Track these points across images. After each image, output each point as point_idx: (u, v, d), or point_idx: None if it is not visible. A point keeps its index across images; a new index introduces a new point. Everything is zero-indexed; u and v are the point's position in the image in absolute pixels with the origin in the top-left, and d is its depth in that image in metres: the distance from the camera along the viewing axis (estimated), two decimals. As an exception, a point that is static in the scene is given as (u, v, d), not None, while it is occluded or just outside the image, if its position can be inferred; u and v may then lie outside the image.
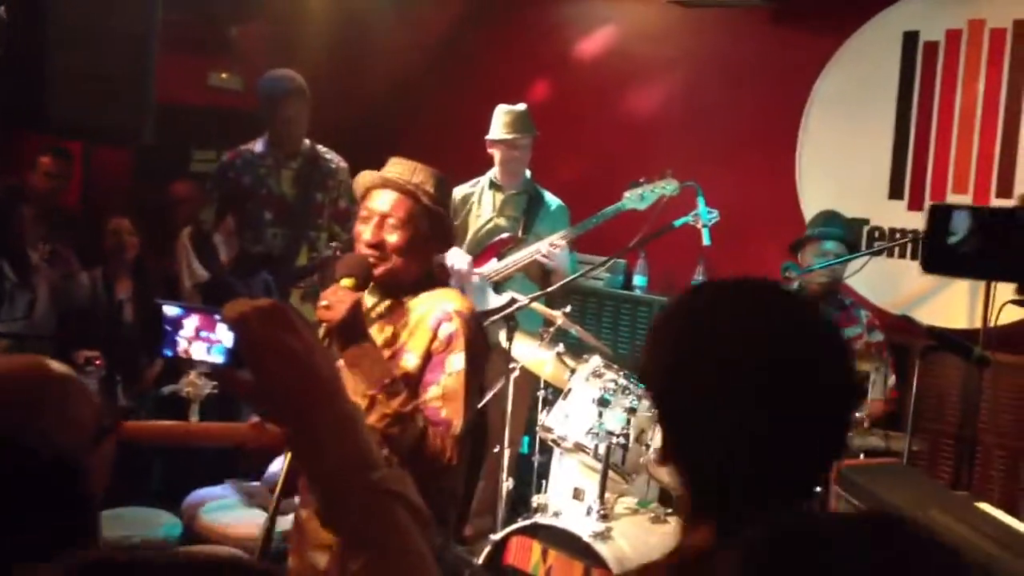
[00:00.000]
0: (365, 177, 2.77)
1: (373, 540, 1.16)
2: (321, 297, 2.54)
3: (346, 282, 2.56)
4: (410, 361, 2.68)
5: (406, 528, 1.17)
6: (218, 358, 1.15)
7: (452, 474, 2.71)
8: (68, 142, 5.27)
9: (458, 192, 5.07)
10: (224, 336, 1.13)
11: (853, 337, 4.54)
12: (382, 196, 2.72)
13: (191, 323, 1.18)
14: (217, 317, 1.14)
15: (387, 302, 2.77)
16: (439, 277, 2.92)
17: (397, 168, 2.75)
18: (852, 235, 4.71)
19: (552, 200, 5.02)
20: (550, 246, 4.64)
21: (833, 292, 4.59)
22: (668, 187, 4.48)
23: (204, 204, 5.13)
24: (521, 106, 4.96)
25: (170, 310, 1.19)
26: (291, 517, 2.89)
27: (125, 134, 3.83)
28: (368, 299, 2.75)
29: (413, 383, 2.65)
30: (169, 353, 1.21)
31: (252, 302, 1.14)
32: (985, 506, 2.53)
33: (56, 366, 1.34)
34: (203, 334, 1.17)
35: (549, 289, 4.40)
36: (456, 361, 2.69)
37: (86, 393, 1.33)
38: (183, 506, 4.19)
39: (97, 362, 4.85)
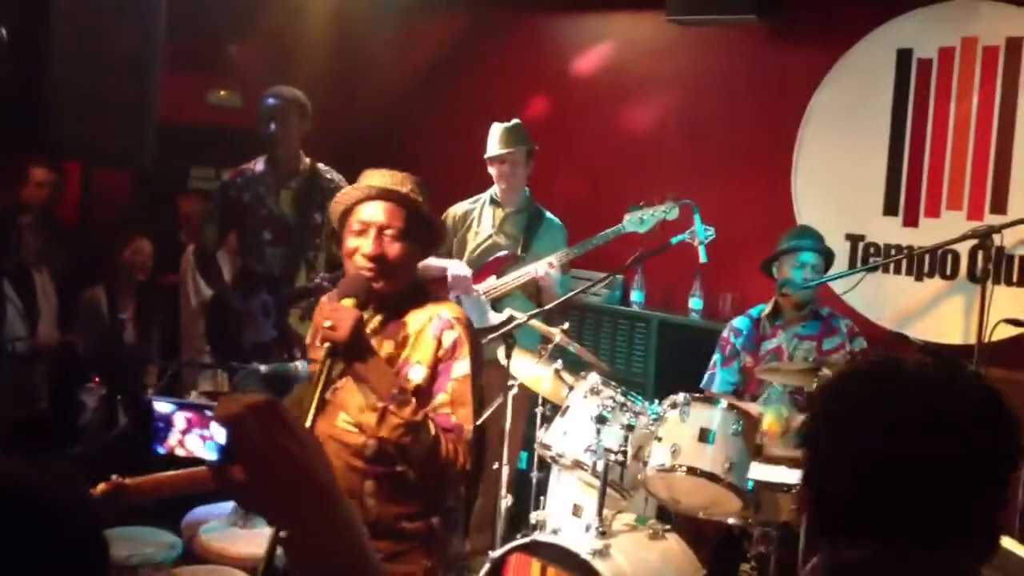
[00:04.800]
0: (355, 191, 2.74)
1: None
2: (323, 317, 2.55)
3: (347, 302, 2.57)
4: (418, 373, 2.70)
5: None
6: (211, 454, 1.11)
7: (464, 479, 2.74)
8: (68, 163, 5.30)
9: (459, 208, 5.10)
10: (217, 432, 1.10)
11: (833, 348, 4.56)
12: (374, 207, 2.70)
13: (182, 418, 1.15)
14: (209, 414, 1.11)
15: (379, 316, 2.77)
16: (429, 289, 2.93)
17: (383, 179, 2.73)
18: (825, 246, 4.69)
19: (552, 219, 5.06)
20: (548, 266, 4.68)
21: (809, 304, 4.62)
22: (669, 212, 4.51)
23: (207, 221, 5.16)
24: (514, 121, 5.00)
25: (161, 406, 1.16)
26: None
27: (125, 156, 3.86)
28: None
29: (424, 394, 2.67)
30: (161, 450, 1.17)
31: (246, 400, 1.09)
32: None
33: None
34: (196, 431, 1.14)
35: (546, 307, 4.43)
36: (461, 367, 2.71)
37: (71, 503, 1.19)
38: (182, 525, 4.19)
39: (96, 379, 4.86)
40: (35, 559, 1.04)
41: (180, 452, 1.14)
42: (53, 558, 1.05)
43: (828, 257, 4.64)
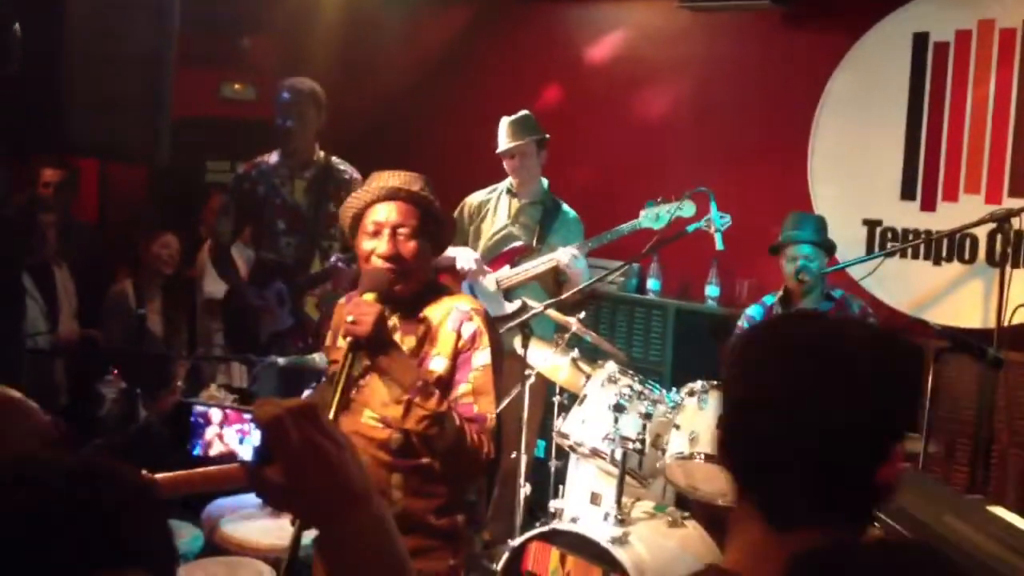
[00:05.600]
0: (365, 193, 2.75)
1: None
2: (343, 315, 2.57)
3: (368, 296, 2.59)
4: (439, 365, 2.73)
5: None
6: (247, 451, 1.12)
7: (487, 468, 2.77)
8: (84, 160, 5.33)
9: (475, 198, 5.10)
10: (252, 432, 1.11)
11: None
12: (386, 208, 2.72)
13: (219, 415, 1.16)
14: (248, 417, 1.13)
15: (397, 314, 2.78)
16: (444, 284, 2.95)
17: (393, 179, 2.74)
18: (821, 234, 4.61)
19: (568, 212, 5.03)
20: (571, 256, 4.66)
21: (815, 290, 4.56)
22: (684, 208, 4.52)
23: (222, 214, 5.17)
24: (521, 113, 4.98)
25: (198, 407, 1.17)
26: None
27: (141, 153, 3.86)
28: None
29: (445, 385, 2.70)
30: (198, 451, 1.18)
31: (284, 403, 1.10)
32: (998, 509, 2.54)
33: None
34: (234, 426, 1.15)
35: (563, 296, 4.43)
36: (482, 356, 2.75)
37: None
38: (203, 517, 4.21)
39: (114, 372, 4.89)
40: (116, 547, 1.04)
41: (218, 448, 1.16)
42: (131, 545, 1.05)
43: (826, 246, 4.60)
